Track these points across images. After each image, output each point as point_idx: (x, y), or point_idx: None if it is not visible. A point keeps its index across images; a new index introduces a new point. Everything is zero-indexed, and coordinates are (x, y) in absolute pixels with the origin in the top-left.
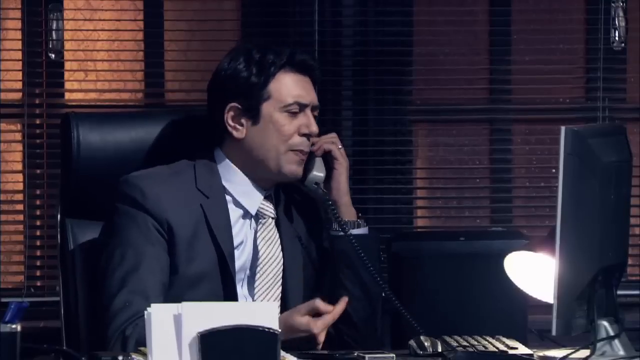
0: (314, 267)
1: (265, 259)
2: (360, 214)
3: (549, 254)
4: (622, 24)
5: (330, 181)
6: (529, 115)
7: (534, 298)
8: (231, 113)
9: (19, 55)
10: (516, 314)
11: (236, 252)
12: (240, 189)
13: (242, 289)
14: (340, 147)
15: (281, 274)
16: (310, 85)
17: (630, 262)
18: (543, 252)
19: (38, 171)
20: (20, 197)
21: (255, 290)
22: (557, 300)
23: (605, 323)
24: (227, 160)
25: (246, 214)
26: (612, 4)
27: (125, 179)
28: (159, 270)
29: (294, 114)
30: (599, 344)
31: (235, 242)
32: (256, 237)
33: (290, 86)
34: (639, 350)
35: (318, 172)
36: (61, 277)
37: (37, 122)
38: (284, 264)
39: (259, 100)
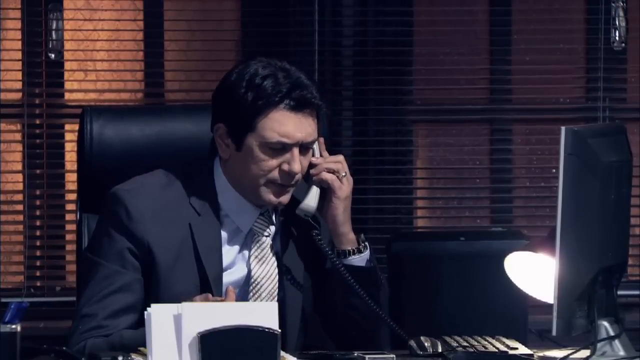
0: (314, 284)
1: (258, 277)
2: (363, 236)
3: (549, 254)
4: (623, 24)
5: (327, 211)
6: (529, 115)
7: (534, 298)
8: (219, 132)
9: (19, 55)
10: (516, 314)
11: (227, 272)
12: (234, 205)
13: None
14: (343, 174)
15: (276, 292)
16: (306, 121)
17: (630, 262)
18: (543, 252)
19: (38, 171)
20: (20, 197)
21: None
22: (557, 300)
23: (605, 323)
24: (222, 173)
25: (240, 232)
26: (613, 4)
27: (114, 193)
28: (129, 293)
29: (276, 150)
30: (599, 344)
31: (226, 261)
32: (250, 255)
33: (278, 124)
34: (639, 351)
35: (309, 203)
36: (77, 272)
37: (37, 122)
38: (279, 281)
39: (245, 130)
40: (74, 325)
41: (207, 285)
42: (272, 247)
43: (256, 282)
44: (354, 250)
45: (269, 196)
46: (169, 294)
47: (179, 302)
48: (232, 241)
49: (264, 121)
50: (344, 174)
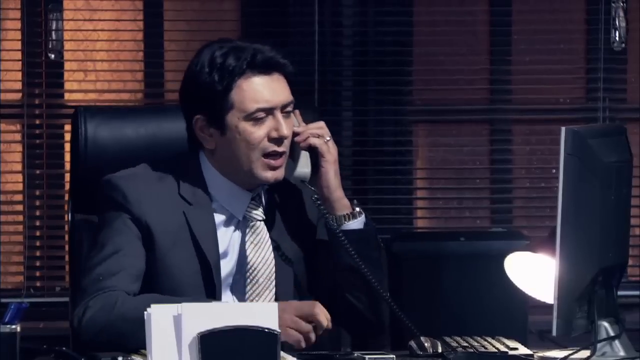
0: (309, 265)
1: (255, 264)
2: (356, 201)
3: (550, 254)
4: (623, 24)
5: (319, 178)
6: (529, 116)
7: (534, 298)
8: (199, 124)
9: (18, 55)
10: (516, 314)
11: (223, 260)
12: (225, 193)
13: (226, 296)
14: (327, 138)
15: (274, 277)
16: (278, 84)
17: (630, 262)
18: (543, 253)
19: (38, 171)
20: (20, 197)
21: (247, 295)
22: (558, 300)
23: (605, 324)
24: (209, 164)
25: (233, 219)
26: (613, 4)
27: (108, 180)
28: (136, 258)
29: (260, 120)
30: (599, 345)
31: (221, 249)
32: (244, 241)
33: (252, 92)
34: (639, 351)
35: (302, 169)
36: (70, 274)
37: (37, 122)
38: (276, 265)
39: (223, 111)
40: (94, 273)
41: (208, 271)
42: (267, 230)
43: (253, 268)
44: (349, 216)
45: (265, 173)
46: (166, 280)
47: (177, 288)
48: (226, 228)
49: (238, 94)
50: (328, 138)
